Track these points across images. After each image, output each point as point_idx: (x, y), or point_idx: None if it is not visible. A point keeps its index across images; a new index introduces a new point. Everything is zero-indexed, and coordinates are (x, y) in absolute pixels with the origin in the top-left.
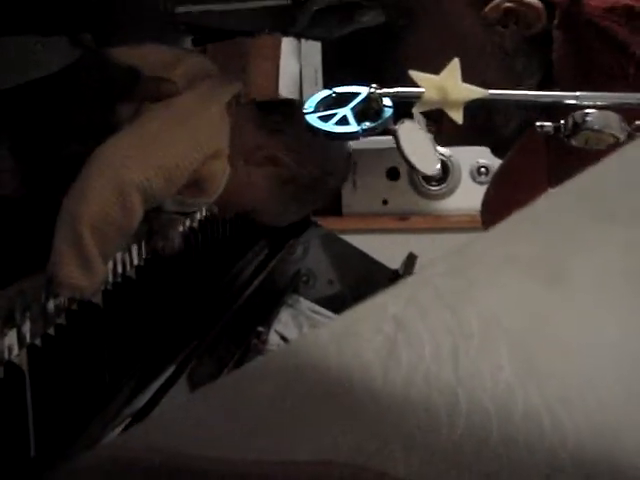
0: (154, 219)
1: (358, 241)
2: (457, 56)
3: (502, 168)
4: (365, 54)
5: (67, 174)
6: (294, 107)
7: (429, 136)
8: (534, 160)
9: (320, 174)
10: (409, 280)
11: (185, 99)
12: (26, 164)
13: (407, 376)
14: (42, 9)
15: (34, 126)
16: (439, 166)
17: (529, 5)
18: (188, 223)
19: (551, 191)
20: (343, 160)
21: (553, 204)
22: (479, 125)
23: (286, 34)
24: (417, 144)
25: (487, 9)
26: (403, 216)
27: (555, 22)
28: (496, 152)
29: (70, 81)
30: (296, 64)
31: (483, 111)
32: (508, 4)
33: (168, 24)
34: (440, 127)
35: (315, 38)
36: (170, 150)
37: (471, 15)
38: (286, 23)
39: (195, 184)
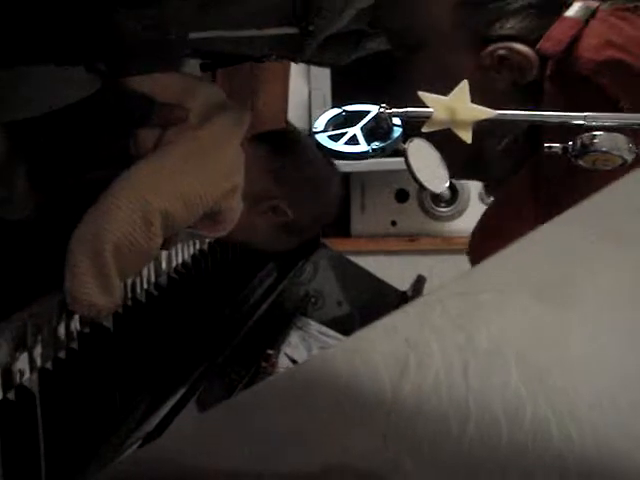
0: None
1: (367, 262)
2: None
3: (487, 217)
4: (373, 77)
5: (83, 200)
6: (299, 139)
7: (438, 155)
8: (520, 211)
9: (317, 219)
10: (420, 300)
11: (206, 132)
12: (41, 189)
13: (418, 389)
14: (55, 38)
15: (52, 153)
16: (448, 184)
17: (522, 54)
18: (198, 246)
19: (559, 216)
20: (338, 200)
21: (561, 227)
22: (471, 161)
23: (295, 61)
24: (426, 163)
25: (483, 54)
26: (412, 237)
27: (547, 73)
28: (487, 189)
29: (89, 111)
30: (305, 88)
31: (474, 147)
32: (502, 52)
33: (178, 50)
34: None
35: (323, 65)
36: (193, 181)
37: (468, 58)
38: (295, 50)
39: (212, 217)
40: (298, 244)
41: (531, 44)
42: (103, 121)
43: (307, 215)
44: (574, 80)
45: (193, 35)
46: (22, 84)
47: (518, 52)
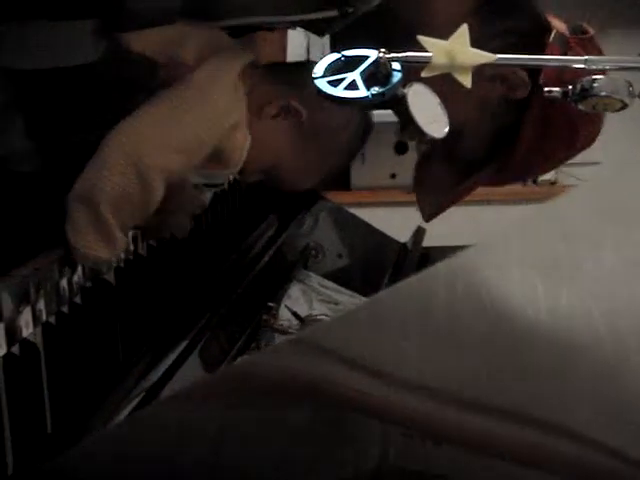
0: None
1: (366, 215)
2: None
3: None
4: (373, 22)
5: (84, 157)
6: (304, 68)
7: (438, 100)
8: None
9: (335, 126)
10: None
11: (197, 76)
12: (42, 146)
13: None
14: None
15: (53, 112)
16: (447, 129)
17: (519, 76)
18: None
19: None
20: (359, 116)
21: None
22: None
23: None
24: (426, 108)
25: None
26: (411, 190)
27: (534, 95)
28: None
29: (95, 74)
30: (304, 33)
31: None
32: (502, 69)
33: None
34: None
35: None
36: (188, 128)
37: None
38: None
39: (217, 157)
40: (328, 168)
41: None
42: (108, 86)
43: (325, 116)
44: (553, 105)
45: (241, 20)
46: (27, 36)
47: (515, 73)
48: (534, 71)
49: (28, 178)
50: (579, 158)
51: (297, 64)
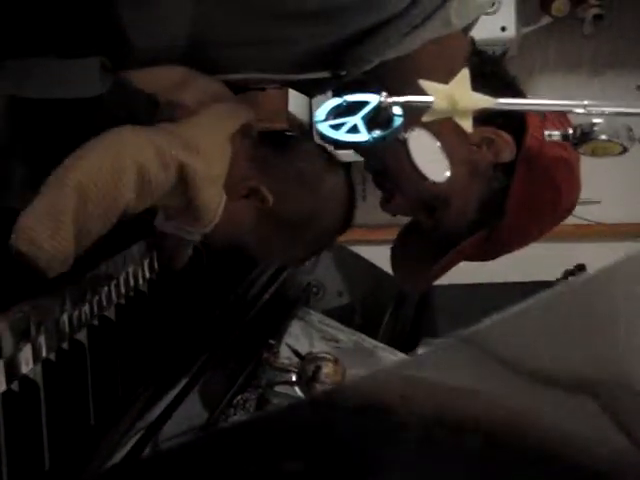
0: (162, 239)
1: (367, 252)
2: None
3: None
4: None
5: None
6: (297, 142)
7: (439, 144)
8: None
9: (304, 217)
10: None
11: (196, 119)
12: (41, 178)
13: None
14: (61, 31)
15: (52, 144)
16: (449, 174)
17: (504, 140)
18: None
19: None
20: (338, 206)
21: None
22: (424, 202)
23: (310, 97)
24: (427, 152)
25: (473, 131)
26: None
27: (521, 158)
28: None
29: (98, 108)
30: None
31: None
32: (488, 134)
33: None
34: (390, 198)
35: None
36: (172, 141)
37: (456, 132)
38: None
39: (190, 212)
40: (304, 253)
41: (509, 130)
42: (110, 118)
43: (295, 207)
44: (540, 169)
45: (238, 76)
46: (34, 68)
47: (500, 136)
48: (519, 135)
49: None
50: (580, 197)
51: (289, 134)
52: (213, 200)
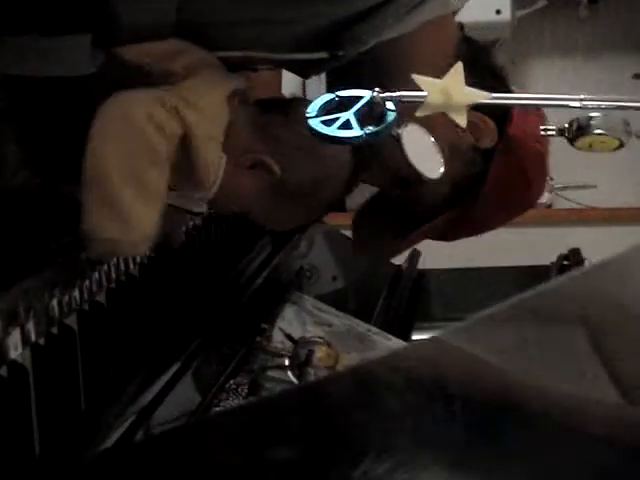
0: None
1: None
2: None
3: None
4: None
5: (76, 166)
6: (295, 106)
7: (432, 140)
8: None
9: (310, 184)
10: None
11: (190, 81)
12: (35, 158)
13: None
14: (47, 8)
15: (47, 122)
16: (443, 170)
17: (486, 123)
18: (191, 221)
19: None
20: (341, 171)
21: None
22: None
23: (306, 77)
24: (421, 148)
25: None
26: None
27: (500, 146)
28: None
29: (90, 83)
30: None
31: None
32: (473, 118)
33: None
34: (367, 168)
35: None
36: (171, 99)
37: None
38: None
39: (192, 174)
40: (305, 219)
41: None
42: (105, 94)
43: (301, 177)
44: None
45: (232, 53)
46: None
47: (485, 122)
48: (501, 123)
49: (25, 191)
50: (576, 181)
51: (287, 101)
52: (214, 160)
